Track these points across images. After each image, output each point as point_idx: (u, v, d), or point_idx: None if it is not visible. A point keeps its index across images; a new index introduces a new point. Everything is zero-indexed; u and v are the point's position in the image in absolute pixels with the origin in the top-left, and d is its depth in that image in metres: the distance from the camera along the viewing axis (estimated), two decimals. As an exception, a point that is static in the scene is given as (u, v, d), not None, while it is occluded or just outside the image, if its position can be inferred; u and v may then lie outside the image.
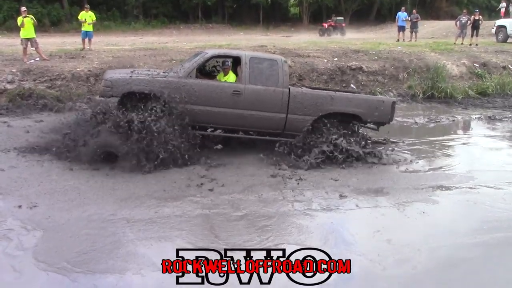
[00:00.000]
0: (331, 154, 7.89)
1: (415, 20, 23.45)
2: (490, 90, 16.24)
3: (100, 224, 5.38)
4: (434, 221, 6.06)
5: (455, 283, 4.69)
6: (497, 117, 13.24)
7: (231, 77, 8.27)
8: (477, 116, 13.60)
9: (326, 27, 35.64)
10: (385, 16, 45.58)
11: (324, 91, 9.00)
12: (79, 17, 17.16)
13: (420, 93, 15.37)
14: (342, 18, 37.78)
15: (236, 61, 8.44)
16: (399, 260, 5.00)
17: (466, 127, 12.90)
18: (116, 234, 5.17)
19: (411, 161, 8.62)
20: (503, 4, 22.71)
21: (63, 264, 4.48)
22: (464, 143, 10.93)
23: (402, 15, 23.42)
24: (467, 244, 5.48)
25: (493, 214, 6.32)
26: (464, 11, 24.32)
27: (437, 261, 5.01)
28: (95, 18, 17.24)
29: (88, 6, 18.15)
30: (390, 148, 9.31)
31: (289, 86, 8.22)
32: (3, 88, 11.53)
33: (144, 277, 4.38)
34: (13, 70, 12.31)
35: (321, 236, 5.43)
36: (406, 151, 9.29)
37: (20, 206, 5.70)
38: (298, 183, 7.07)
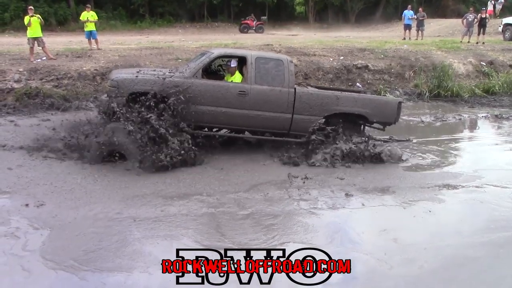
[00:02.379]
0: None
1: (421, 18, 23.34)
2: (497, 88, 16.14)
3: (106, 223, 5.41)
4: (440, 220, 6.05)
5: (461, 283, 4.68)
6: (504, 115, 13.17)
7: (237, 77, 8.27)
8: (483, 114, 13.54)
9: (254, 25, 34.85)
10: (391, 14, 45.26)
11: (330, 91, 8.96)
12: (80, 18, 17.19)
13: (426, 91, 15.32)
14: (266, 17, 37.72)
15: (242, 61, 8.44)
16: (405, 259, 4.99)
17: (473, 125, 12.85)
18: (123, 233, 5.20)
19: (417, 160, 8.60)
20: (491, 1, 22.69)
21: (70, 263, 4.52)
22: (470, 142, 10.91)
23: (408, 13, 23.31)
24: (473, 243, 5.47)
25: (500, 213, 6.30)
26: (471, 9, 24.17)
27: (444, 260, 5.00)
28: (97, 18, 17.21)
29: (89, 6, 18.15)
30: (396, 147, 9.27)
31: (295, 86, 8.22)
32: (10, 87, 11.59)
33: (151, 275, 4.40)
34: (20, 69, 12.37)
35: (327, 235, 5.43)
36: (413, 150, 9.26)
37: (27, 205, 5.75)
38: (304, 182, 7.07)
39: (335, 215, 6.04)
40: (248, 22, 35.47)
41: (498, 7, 22.14)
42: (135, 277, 4.39)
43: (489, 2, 23.45)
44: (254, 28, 34.87)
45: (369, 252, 5.06)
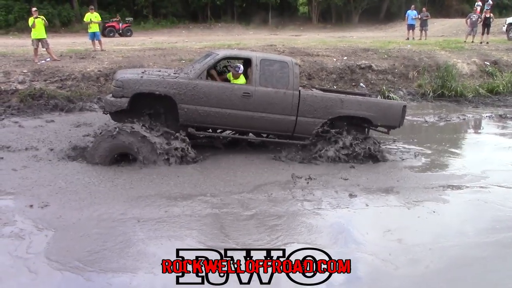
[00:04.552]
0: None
1: (425, 18, 23.29)
2: (501, 88, 16.10)
3: (110, 224, 5.41)
4: (445, 221, 6.03)
5: (467, 283, 4.66)
6: (508, 115, 13.12)
7: (240, 80, 8.24)
8: (488, 114, 13.50)
9: (120, 28, 30.09)
10: (394, 14, 45.16)
11: (334, 93, 8.90)
12: (84, 19, 17.25)
13: (430, 91, 15.30)
14: (131, 18, 33.42)
15: (247, 63, 8.42)
16: (411, 259, 4.98)
17: (477, 125, 12.81)
18: (127, 233, 5.19)
19: (421, 160, 8.58)
20: (479, 3, 22.69)
21: (75, 263, 4.52)
22: (474, 142, 10.87)
23: (411, 13, 23.26)
24: (478, 243, 5.45)
25: (504, 213, 6.28)
26: (475, 8, 24.09)
27: (449, 260, 4.98)
28: (100, 19, 17.32)
29: (93, 7, 18.22)
30: (400, 147, 9.26)
31: (299, 89, 8.19)
32: (14, 88, 11.64)
33: (155, 276, 4.40)
34: (24, 71, 12.42)
35: (331, 235, 5.41)
36: (416, 150, 9.23)
37: (31, 206, 5.75)
38: (308, 182, 7.05)
39: (339, 215, 6.02)
40: (113, 24, 30.13)
41: (487, 8, 22.11)
42: (140, 277, 4.39)
43: (476, 3, 23.46)
44: (120, 31, 30.14)
45: (374, 253, 5.04)
